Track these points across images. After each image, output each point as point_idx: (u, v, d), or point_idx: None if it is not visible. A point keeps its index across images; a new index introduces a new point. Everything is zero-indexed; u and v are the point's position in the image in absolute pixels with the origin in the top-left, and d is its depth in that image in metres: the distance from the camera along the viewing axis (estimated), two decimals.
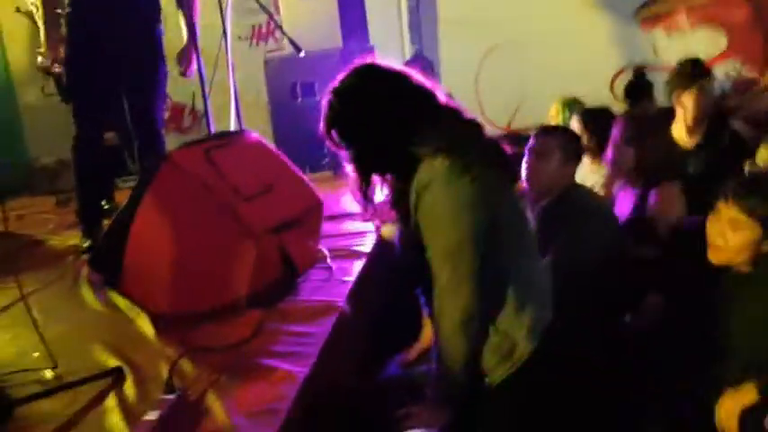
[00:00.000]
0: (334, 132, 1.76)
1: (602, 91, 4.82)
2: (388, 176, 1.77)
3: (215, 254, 2.05)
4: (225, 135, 2.59)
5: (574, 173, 2.52)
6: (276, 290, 2.26)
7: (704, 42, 4.90)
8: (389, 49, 5.25)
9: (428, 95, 1.75)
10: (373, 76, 1.74)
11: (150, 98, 3.07)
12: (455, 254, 1.61)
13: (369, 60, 1.79)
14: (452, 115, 1.76)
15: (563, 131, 2.65)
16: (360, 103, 1.72)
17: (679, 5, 4.98)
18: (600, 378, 1.88)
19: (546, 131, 2.56)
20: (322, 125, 1.78)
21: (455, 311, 1.62)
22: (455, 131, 1.71)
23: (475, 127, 1.76)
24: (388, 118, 1.69)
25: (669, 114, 3.22)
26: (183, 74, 3.16)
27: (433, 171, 1.62)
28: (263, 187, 2.27)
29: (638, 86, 4.55)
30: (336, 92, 1.75)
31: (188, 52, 3.11)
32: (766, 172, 2.57)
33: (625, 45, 5.06)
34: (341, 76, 1.77)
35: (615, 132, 3.22)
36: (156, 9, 3.10)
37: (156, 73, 3.09)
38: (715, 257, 1.88)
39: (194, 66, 3.11)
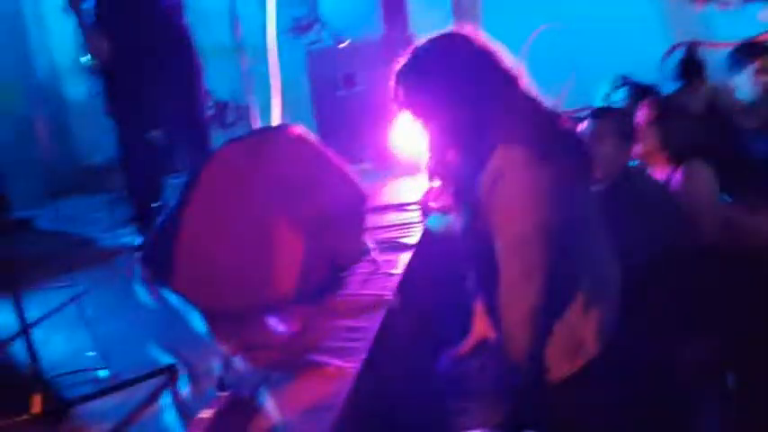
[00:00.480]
0: (413, 100, 1.69)
1: (655, 70, 4.66)
2: (457, 160, 1.72)
3: (263, 249, 2.04)
4: (269, 130, 2.59)
5: (630, 155, 2.43)
6: (324, 284, 2.24)
7: (758, 18, 4.69)
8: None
9: (512, 79, 1.69)
10: (464, 48, 1.68)
11: (189, 95, 3.07)
12: (527, 244, 1.56)
13: (463, 31, 1.73)
14: (532, 104, 1.70)
15: (616, 113, 2.56)
16: (444, 73, 1.65)
17: None
18: (664, 386, 1.80)
19: (598, 114, 2.48)
20: (401, 93, 1.70)
21: (523, 303, 1.58)
22: (535, 120, 1.66)
23: (555, 117, 1.70)
24: (470, 92, 1.63)
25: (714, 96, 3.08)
26: None
27: (510, 158, 1.57)
28: (309, 181, 2.25)
29: (691, 64, 4.39)
30: (420, 58, 1.68)
31: None
32: None
33: (676, 21, 4.89)
34: (427, 43, 1.70)
35: (639, 115, 3.11)
36: (179, 4, 3.11)
37: (188, 69, 3.09)
38: None
39: None
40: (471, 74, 1.64)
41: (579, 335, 1.64)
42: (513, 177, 1.56)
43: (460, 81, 1.65)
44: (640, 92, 3.25)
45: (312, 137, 2.49)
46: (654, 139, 2.87)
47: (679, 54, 4.64)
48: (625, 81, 3.61)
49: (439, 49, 1.69)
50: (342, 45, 3.34)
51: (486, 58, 1.67)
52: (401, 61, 1.72)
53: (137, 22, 2.96)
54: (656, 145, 2.86)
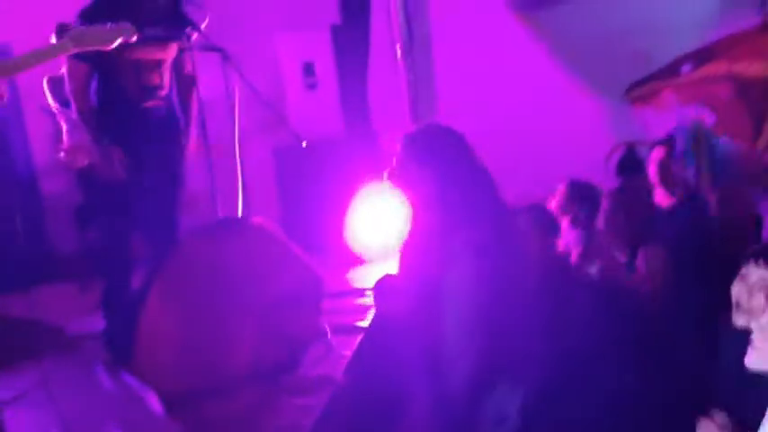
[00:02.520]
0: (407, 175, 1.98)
1: (598, 169, 5.02)
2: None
3: (219, 333, 2.20)
4: (231, 221, 2.79)
5: (554, 244, 2.68)
6: (278, 365, 2.38)
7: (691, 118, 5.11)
8: (393, 134, 5.51)
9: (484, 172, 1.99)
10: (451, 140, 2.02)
11: (170, 197, 3.14)
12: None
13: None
14: (493, 195, 1.95)
15: (536, 209, 2.84)
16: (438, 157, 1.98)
17: (666, 85, 5.22)
18: None
19: (525, 210, 2.75)
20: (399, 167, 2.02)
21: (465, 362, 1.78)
22: (494, 213, 1.92)
23: (508, 213, 1.96)
24: (452, 176, 1.93)
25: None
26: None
27: (463, 246, 1.81)
28: (267, 269, 2.43)
29: (630, 162, 4.76)
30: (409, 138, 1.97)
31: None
32: None
33: (618, 124, 5.28)
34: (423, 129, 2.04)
35: (605, 203, 3.41)
36: (178, 125, 3.29)
37: (173, 171, 3.20)
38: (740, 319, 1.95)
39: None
40: (457, 163, 1.90)
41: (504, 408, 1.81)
42: (465, 264, 1.77)
43: (449, 166, 1.91)
44: (578, 190, 3.55)
45: (273, 227, 2.70)
46: (618, 225, 3.18)
47: (620, 153, 5.06)
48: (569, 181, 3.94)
49: (435, 137, 1.97)
50: (305, 144, 3.60)
51: (468, 152, 1.94)
52: (402, 141, 1.98)
53: (131, 129, 3.08)
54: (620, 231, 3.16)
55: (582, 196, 3.41)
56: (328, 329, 2.74)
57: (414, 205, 2.01)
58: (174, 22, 3.16)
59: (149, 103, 3.12)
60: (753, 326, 1.50)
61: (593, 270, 3.05)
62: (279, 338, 2.39)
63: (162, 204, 3.09)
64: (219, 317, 2.22)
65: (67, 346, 3.25)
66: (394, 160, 2.02)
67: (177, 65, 3.28)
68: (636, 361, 2.55)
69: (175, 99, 3.31)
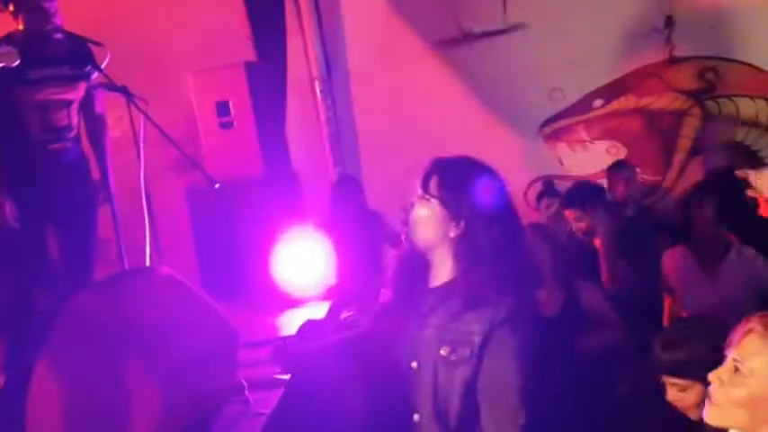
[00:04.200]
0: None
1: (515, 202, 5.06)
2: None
3: (118, 399, 1.99)
4: (130, 273, 2.59)
5: None
6: (189, 429, 2.19)
7: (604, 153, 5.27)
8: (313, 173, 5.42)
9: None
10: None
11: (84, 258, 3.04)
12: None
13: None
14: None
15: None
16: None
17: (578, 120, 5.37)
18: None
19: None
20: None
21: None
22: None
23: None
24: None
25: None
26: None
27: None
28: (172, 323, 2.24)
29: (548, 196, 4.86)
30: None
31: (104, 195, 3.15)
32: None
33: (533, 159, 5.38)
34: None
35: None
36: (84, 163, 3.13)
37: (87, 230, 3.09)
38: None
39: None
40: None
41: None
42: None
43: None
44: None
45: (180, 277, 2.51)
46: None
47: (537, 187, 5.15)
48: None
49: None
50: (217, 185, 3.44)
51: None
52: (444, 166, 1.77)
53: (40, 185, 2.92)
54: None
55: None
56: (246, 385, 2.56)
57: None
58: (80, 61, 3.02)
59: (57, 146, 2.96)
60: (711, 377, 1.41)
61: None
62: (189, 401, 2.19)
63: (72, 255, 2.92)
64: (119, 383, 2.01)
65: None
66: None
67: (86, 105, 3.14)
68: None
69: (85, 141, 3.17)
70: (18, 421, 2.11)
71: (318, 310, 3.91)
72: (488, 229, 1.70)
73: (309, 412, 2.40)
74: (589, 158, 5.28)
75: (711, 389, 1.38)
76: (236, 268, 4.45)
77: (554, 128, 5.39)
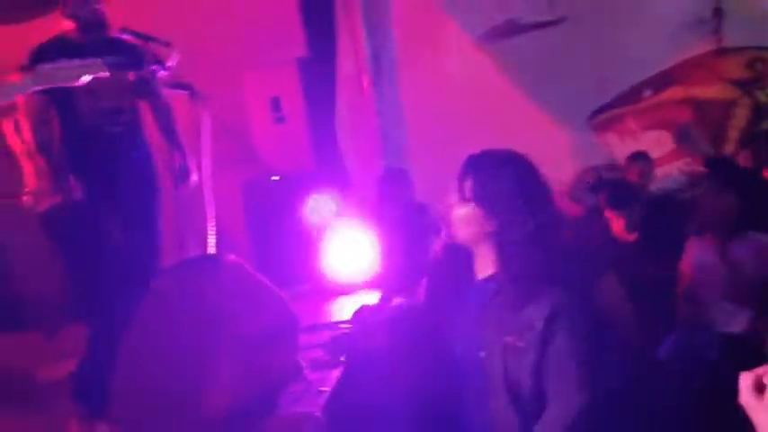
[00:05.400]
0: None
1: (562, 194, 5.10)
2: None
3: (193, 374, 2.15)
4: (202, 259, 2.74)
5: None
6: (255, 404, 2.33)
7: (654, 143, 5.26)
8: (362, 166, 5.54)
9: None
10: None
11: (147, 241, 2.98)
12: None
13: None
14: None
15: None
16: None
17: (627, 111, 5.37)
18: None
19: None
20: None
21: None
22: None
23: None
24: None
25: None
26: None
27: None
28: (240, 306, 2.40)
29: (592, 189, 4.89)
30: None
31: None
32: None
33: (582, 150, 5.39)
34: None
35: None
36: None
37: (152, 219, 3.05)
38: None
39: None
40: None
41: None
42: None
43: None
44: None
45: (245, 264, 2.66)
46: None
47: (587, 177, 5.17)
48: None
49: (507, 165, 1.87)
50: (274, 178, 3.59)
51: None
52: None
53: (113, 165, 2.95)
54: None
55: None
56: (305, 366, 2.70)
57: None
58: (122, 54, 3.02)
59: (109, 129, 2.96)
60: None
61: None
62: (256, 378, 2.34)
63: (136, 243, 2.95)
64: (197, 357, 2.17)
65: (36, 396, 3.14)
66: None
67: (150, 96, 3.15)
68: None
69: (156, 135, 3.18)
70: (101, 393, 2.29)
71: (367, 298, 4.04)
72: (523, 223, 1.78)
73: (366, 390, 2.53)
74: (639, 148, 5.26)
75: None
76: (286, 257, 4.62)
77: (603, 118, 5.40)
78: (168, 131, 3.19)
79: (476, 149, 1.92)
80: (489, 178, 1.83)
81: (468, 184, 1.82)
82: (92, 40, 2.97)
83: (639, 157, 4.66)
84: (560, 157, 5.30)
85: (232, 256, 2.61)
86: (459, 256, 1.90)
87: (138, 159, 3.09)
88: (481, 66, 5.44)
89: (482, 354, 1.78)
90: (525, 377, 1.73)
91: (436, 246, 2.26)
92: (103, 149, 2.96)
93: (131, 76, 3.01)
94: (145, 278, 2.70)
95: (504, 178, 1.82)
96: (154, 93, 3.15)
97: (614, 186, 4.01)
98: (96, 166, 2.94)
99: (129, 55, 3.05)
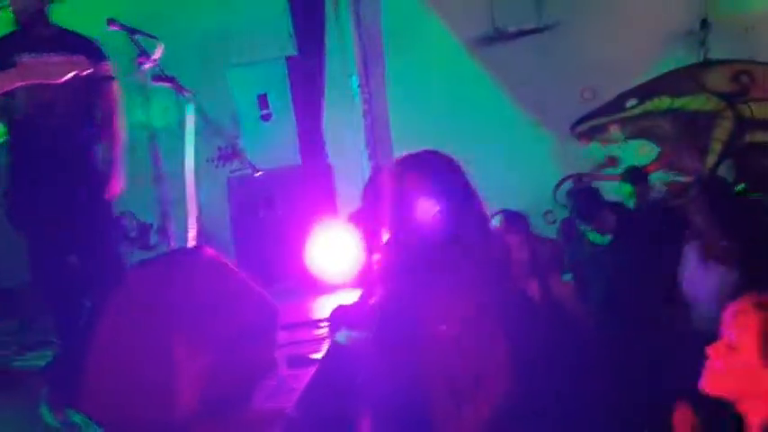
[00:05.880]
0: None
1: (546, 201, 5.15)
2: None
3: (166, 368, 2.15)
4: (180, 253, 2.74)
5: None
6: (229, 399, 2.34)
7: (637, 153, 5.31)
8: (348, 167, 5.55)
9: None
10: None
11: (97, 229, 2.96)
12: None
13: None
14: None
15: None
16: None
17: (611, 119, 5.42)
18: None
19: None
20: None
21: None
22: None
23: None
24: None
25: None
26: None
27: None
28: (217, 301, 2.40)
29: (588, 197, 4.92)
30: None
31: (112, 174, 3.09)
32: None
33: (565, 157, 5.44)
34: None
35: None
36: (95, 135, 3.11)
37: (98, 202, 3.02)
38: None
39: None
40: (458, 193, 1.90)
41: None
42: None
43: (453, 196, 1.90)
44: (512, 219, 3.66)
45: (224, 258, 2.67)
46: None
47: (568, 185, 5.21)
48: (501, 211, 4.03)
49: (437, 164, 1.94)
50: (259, 173, 3.60)
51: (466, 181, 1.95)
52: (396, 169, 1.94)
53: (51, 156, 2.94)
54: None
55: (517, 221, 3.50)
56: (281, 362, 2.71)
57: (398, 237, 1.96)
58: (74, 49, 3.01)
59: (47, 122, 2.95)
60: (709, 351, 1.55)
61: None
62: (231, 372, 2.35)
63: (90, 227, 2.92)
64: (169, 351, 2.17)
65: (9, 383, 3.13)
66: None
67: (96, 93, 3.13)
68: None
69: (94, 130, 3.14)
70: (74, 384, 2.29)
71: (350, 297, 4.04)
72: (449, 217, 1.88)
73: (339, 389, 2.54)
74: (621, 157, 5.32)
75: (708, 361, 1.53)
76: (271, 254, 4.62)
77: (587, 126, 5.44)
78: (107, 128, 3.13)
79: (461, 150, 1.99)
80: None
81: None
82: (42, 34, 2.98)
83: (633, 178, 4.59)
84: (543, 164, 5.35)
85: (210, 251, 2.62)
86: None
87: (77, 151, 3.05)
88: (468, 71, 5.47)
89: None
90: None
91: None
92: (41, 142, 2.94)
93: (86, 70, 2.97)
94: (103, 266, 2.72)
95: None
96: (104, 87, 3.13)
97: (582, 195, 4.06)
98: (36, 158, 2.93)
99: (83, 49, 3.03)
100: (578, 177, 5.22)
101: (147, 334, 2.17)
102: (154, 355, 2.16)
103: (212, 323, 2.33)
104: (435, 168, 1.94)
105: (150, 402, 2.19)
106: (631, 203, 4.38)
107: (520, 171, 5.14)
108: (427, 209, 1.89)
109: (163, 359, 2.16)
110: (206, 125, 3.40)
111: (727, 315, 1.56)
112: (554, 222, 4.95)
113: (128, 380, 2.17)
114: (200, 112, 3.24)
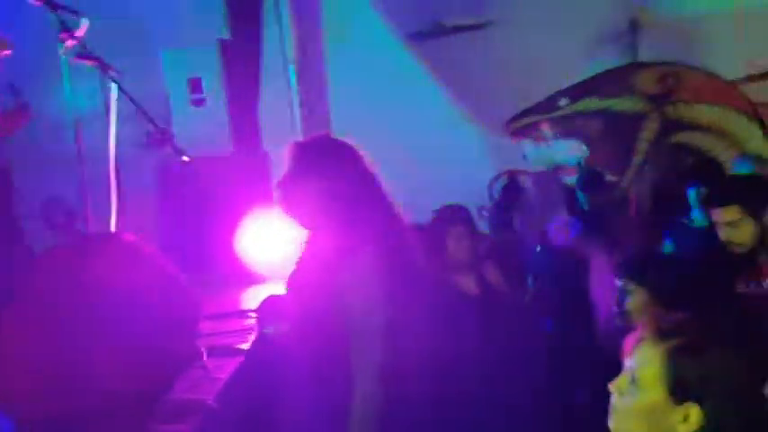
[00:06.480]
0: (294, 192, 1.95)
1: (481, 197, 5.22)
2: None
3: (82, 356, 2.07)
4: (99, 237, 2.64)
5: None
6: (149, 389, 2.27)
7: (567, 151, 5.44)
8: (284, 155, 5.47)
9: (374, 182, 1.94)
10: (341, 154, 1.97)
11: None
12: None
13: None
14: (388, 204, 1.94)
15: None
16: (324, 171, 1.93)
17: (543, 118, 5.52)
18: None
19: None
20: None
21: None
22: (388, 222, 1.90)
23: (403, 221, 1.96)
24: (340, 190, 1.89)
25: None
26: None
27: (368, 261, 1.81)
28: (135, 288, 2.32)
29: (512, 190, 5.01)
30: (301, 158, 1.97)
31: None
32: None
33: (499, 153, 5.52)
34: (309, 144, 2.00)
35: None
36: None
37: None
38: None
39: None
40: (351, 176, 1.86)
41: None
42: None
43: (343, 180, 1.86)
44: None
45: (145, 246, 2.58)
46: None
47: (502, 181, 5.30)
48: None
49: (325, 148, 1.91)
50: (186, 159, 3.50)
51: (361, 165, 1.90)
52: (290, 153, 1.92)
53: None
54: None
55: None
56: (205, 352, 2.65)
57: (305, 223, 1.96)
58: None
59: None
60: (611, 388, 1.36)
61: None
62: (150, 362, 2.27)
63: None
64: (83, 339, 2.08)
65: None
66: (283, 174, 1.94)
67: None
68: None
69: None
70: None
71: (280, 287, 3.99)
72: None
73: (262, 381, 2.51)
74: (551, 154, 5.44)
75: (613, 399, 1.35)
76: (201, 243, 4.51)
77: (520, 124, 5.53)
78: None
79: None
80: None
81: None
82: None
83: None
84: (478, 159, 5.41)
85: (130, 237, 2.53)
86: None
87: None
88: (408, 65, 5.49)
89: None
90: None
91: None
92: None
93: None
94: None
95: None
96: None
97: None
98: None
99: None
100: (512, 174, 5.30)
101: (57, 322, 2.08)
102: (65, 345, 2.07)
103: (128, 311, 2.24)
104: (321, 153, 1.93)
105: (62, 394, 2.09)
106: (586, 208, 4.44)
107: (456, 166, 5.19)
108: (309, 193, 1.89)
109: (74, 348, 2.07)
110: (134, 108, 3.28)
111: (627, 345, 1.42)
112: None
113: (37, 371, 2.07)
114: (126, 93, 3.12)
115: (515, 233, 4.23)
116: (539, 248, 3.71)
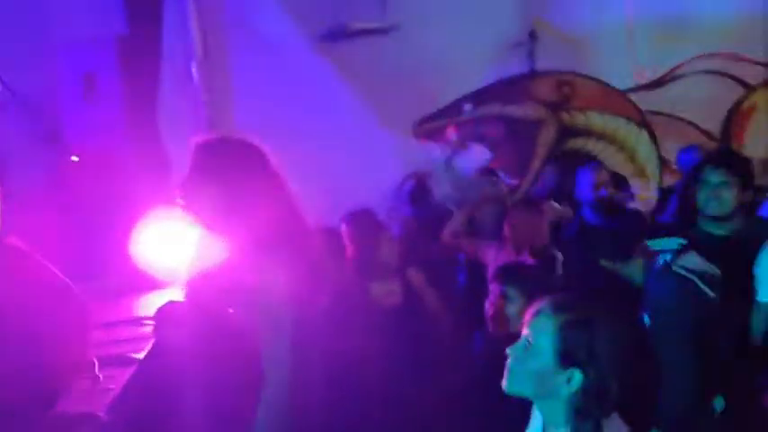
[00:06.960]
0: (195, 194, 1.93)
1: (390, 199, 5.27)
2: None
3: None
4: None
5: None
6: (34, 403, 2.13)
7: (473, 155, 5.58)
8: (185, 156, 5.31)
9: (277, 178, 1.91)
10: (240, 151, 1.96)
11: None
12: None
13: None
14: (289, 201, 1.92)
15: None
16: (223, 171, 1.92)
17: (449, 122, 5.65)
18: None
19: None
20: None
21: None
22: (289, 219, 1.90)
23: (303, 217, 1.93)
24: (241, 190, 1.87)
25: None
26: None
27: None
28: (19, 295, 2.18)
29: (420, 191, 5.09)
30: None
31: None
32: None
33: (407, 156, 5.59)
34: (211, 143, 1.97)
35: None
36: None
37: None
38: None
39: None
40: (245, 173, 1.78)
41: None
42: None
43: (244, 180, 1.79)
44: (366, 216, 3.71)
45: (29, 250, 2.43)
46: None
47: (410, 183, 5.37)
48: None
49: (226, 147, 1.84)
50: (74, 158, 3.33)
51: (265, 165, 1.85)
52: (192, 151, 1.84)
53: None
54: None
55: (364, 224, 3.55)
56: (96, 362, 2.52)
57: (207, 224, 1.89)
58: None
59: None
60: (509, 351, 1.59)
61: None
62: (30, 373, 2.13)
63: None
64: None
65: None
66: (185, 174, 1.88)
67: None
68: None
69: None
70: None
71: (180, 293, 3.87)
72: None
73: (158, 392, 2.41)
74: (458, 160, 5.57)
75: (509, 361, 1.57)
76: (95, 247, 4.31)
77: (427, 128, 5.64)
78: None
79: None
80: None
81: None
82: None
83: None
84: (387, 162, 5.46)
85: (13, 240, 2.37)
86: None
87: None
88: (316, 67, 5.45)
89: None
90: None
91: None
92: None
93: None
94: None
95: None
96: None
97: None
98: None
99: None
100: (420, 176, 5.38)
101: None
102: None
103: (15, 318, 2.10)
104: (225, 152, 1.90)
105: None
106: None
107: (365, 169, 5.21)
108: (212, 193, 1.85)
109: None
110: (20, 105, 3.10)
111: (527, 316, 1.61)
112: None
113: None
114: (9, 89, 2.94)
115: (426, 235, 4.30)
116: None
